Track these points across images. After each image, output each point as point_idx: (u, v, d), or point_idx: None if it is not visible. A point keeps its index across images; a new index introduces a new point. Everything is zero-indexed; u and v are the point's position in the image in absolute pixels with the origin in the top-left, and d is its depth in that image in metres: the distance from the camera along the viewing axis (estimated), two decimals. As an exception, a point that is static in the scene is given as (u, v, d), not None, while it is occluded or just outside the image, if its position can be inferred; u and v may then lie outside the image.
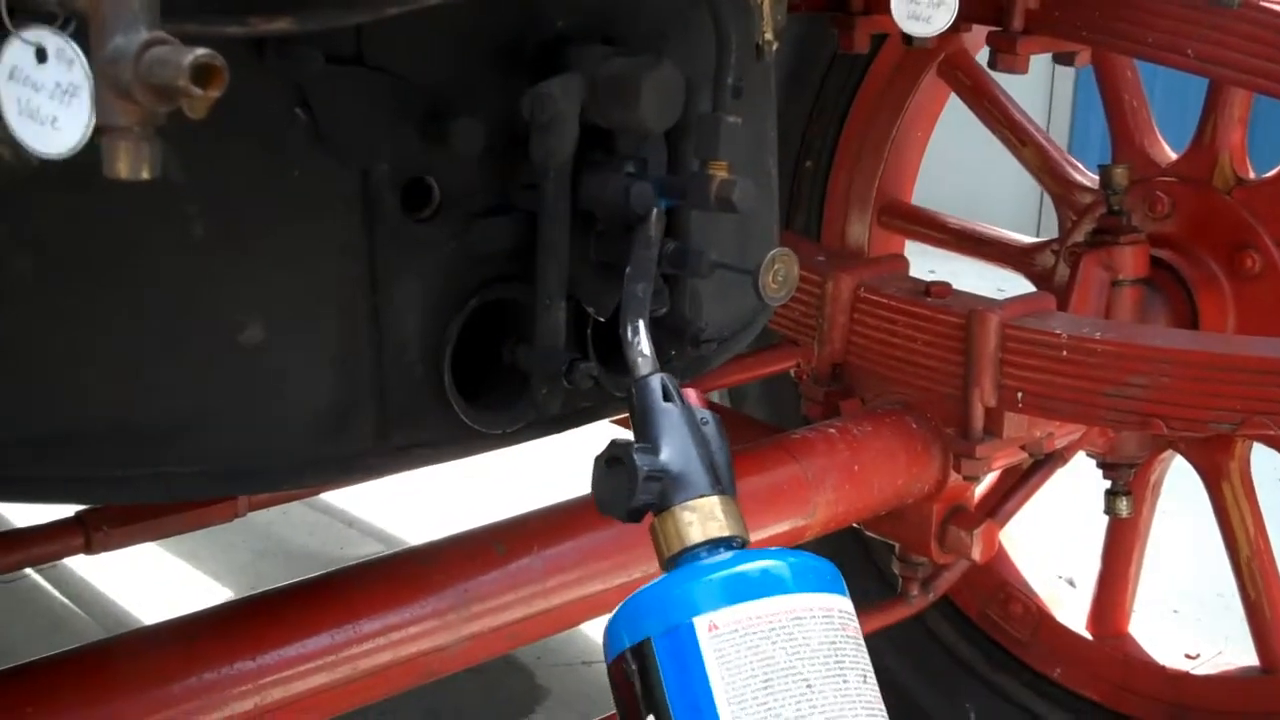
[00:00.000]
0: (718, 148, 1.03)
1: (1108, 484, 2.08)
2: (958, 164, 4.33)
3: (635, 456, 0.95)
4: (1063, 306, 1.93)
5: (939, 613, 2.28)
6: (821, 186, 2.41)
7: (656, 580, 0.95)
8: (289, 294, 1.02)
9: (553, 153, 1.02)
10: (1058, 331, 1.65)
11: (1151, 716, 2.17)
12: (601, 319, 1.12)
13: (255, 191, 0.99)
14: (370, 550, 3.24)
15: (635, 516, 0.96)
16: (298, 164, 1.00)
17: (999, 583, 2.26)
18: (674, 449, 0.96)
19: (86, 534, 1.54)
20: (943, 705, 2.35)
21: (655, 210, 1.04)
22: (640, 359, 0.99)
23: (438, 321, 1.08)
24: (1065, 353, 1.64)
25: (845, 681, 0.90)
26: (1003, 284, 2.66)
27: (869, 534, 1.90)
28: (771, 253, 1.01)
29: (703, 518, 0.95)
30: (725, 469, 0.98)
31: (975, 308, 1.71)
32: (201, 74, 0.66)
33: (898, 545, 1.87)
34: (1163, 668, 2.17)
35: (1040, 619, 2.27)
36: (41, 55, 0.71)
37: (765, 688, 0.88)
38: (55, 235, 0.95)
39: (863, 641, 0.95)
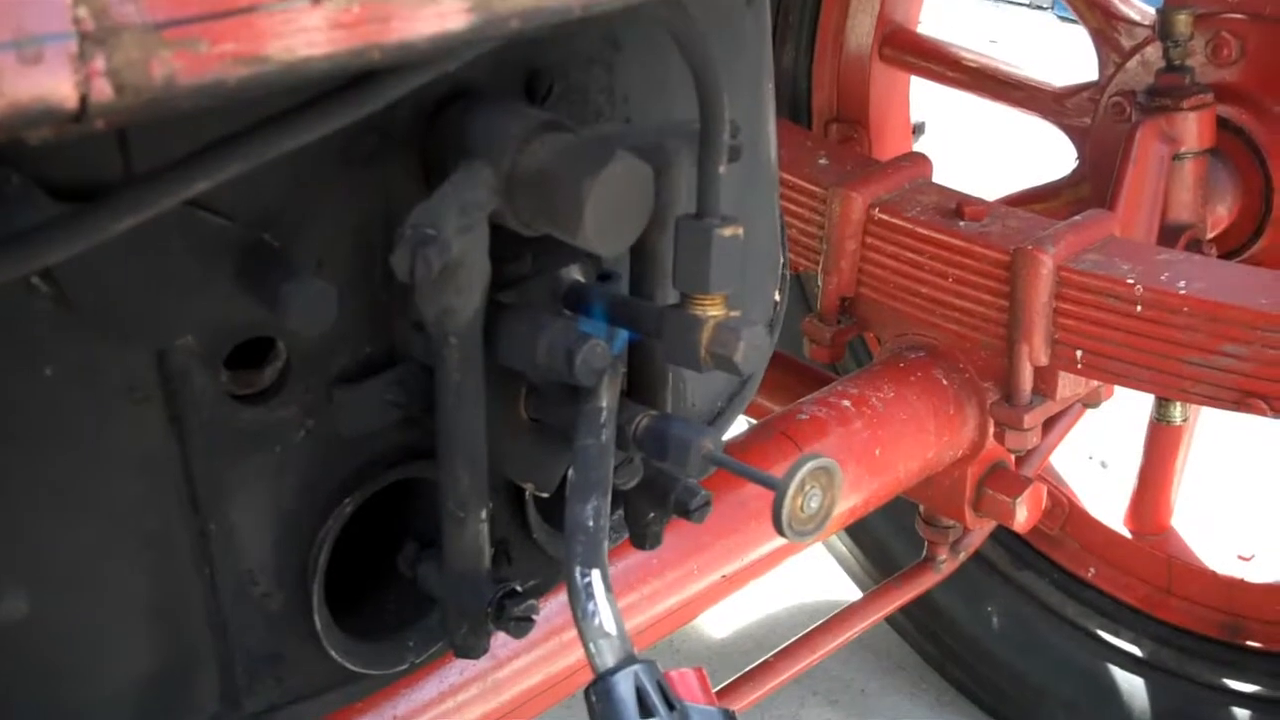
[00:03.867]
0: (708, 276, 0.66)
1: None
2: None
3: None
4: (1115, 186, 1.57)
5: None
6: (813, 13, 2.01)
7: None
8: (62, 542, 0.66)
9: (451, 311, 0.65)
10: (1130, 281, 1.29)
11: (1200, 627, 1.90)
12: (544, 494, 0.77)
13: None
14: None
15: None
16: (46, 358, 0.63)
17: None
18: None
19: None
20: (961, 606, 2.07)
21: (606, 377, 0.67)
22: (598, 643, 0.64)
23: (297, 538, 0.73)
24: (1140, 308, 1.29)
25: None
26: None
27: (889, 495, 1.58)
28: (805, 467, 0.65)
29: None
30: None
31: (1023, 245, 1.34)
32: None
33: (923, 506, 1.56)
34: (1213, 572, 1.89)
35: (1070, 511, 1.98)
36: None
37: None
38: None
39: None
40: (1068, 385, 1.40)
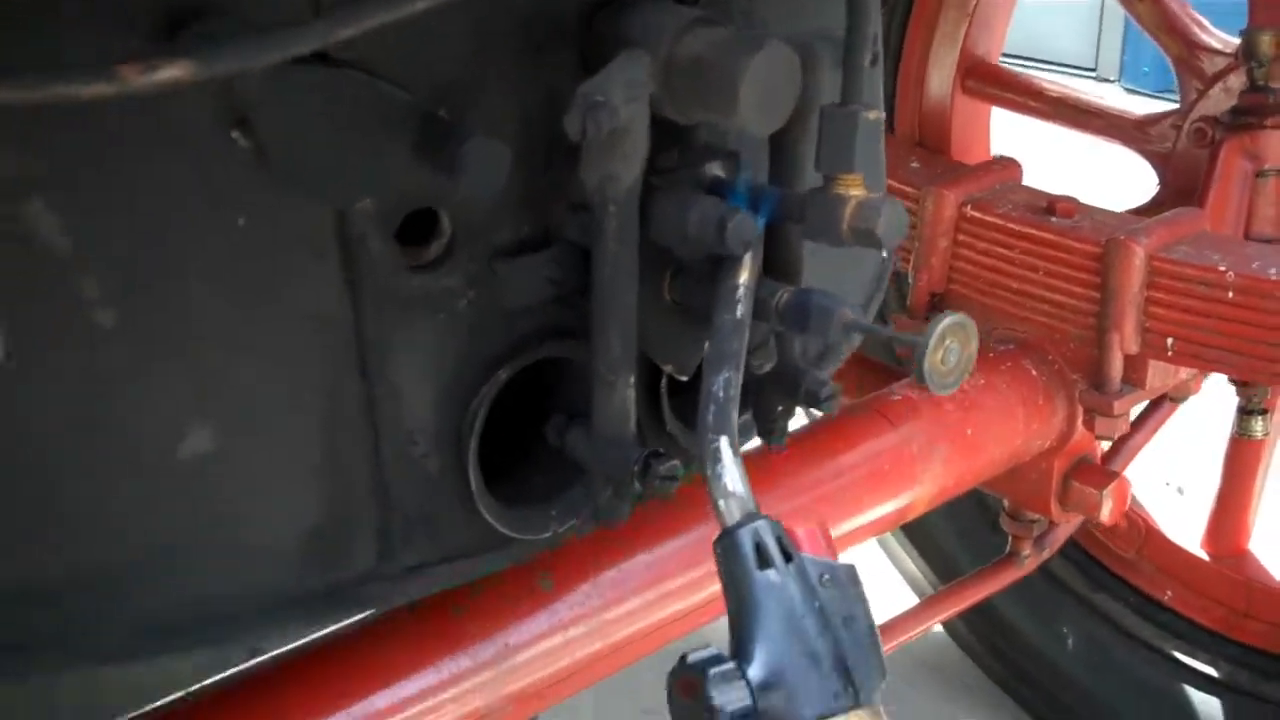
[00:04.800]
0: (853, 156, 0.71)
1: (1238, 400, 1.79)
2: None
3: (712, 690, 0.66)
4: (1199, 202, 1.61)
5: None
6: (896, 45, 2.07)
7: None
8: (242, 386, 0.72)
9: (614, 178, 0.71)
10: (1222, 268, 1.33)
11: (1277, 648, 1.91)
12: (683, 378, 0.82)
13: (183, 255, 0.69)
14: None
15: None
16: (240, 209, 0.69)
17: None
18: (778, 649, 0.68)
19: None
20: (1037, 627, 2.09)
21: (748, 255, 0.72)
22: (725, 501, 0.69)
23: (456, 402, 0.79)
24: (1231, 294, 1.33)
25: None
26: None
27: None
28: (944, 322, 0.70)
29: None
30: (861, 654, 0.69)
31: (1116, 236, 1.38)
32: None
33: (1008, 500, 1.59)
34: (1291, 593, 1.90)
35: (1147, 534, 2.00)
36: None
37: None
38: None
39: None
40: (1157, 375, 1.44)
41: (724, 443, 0.70)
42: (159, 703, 1.03)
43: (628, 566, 1.20)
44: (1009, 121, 2.14)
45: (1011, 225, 1.47)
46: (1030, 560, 1.63)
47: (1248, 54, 1.66)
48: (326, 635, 1.12)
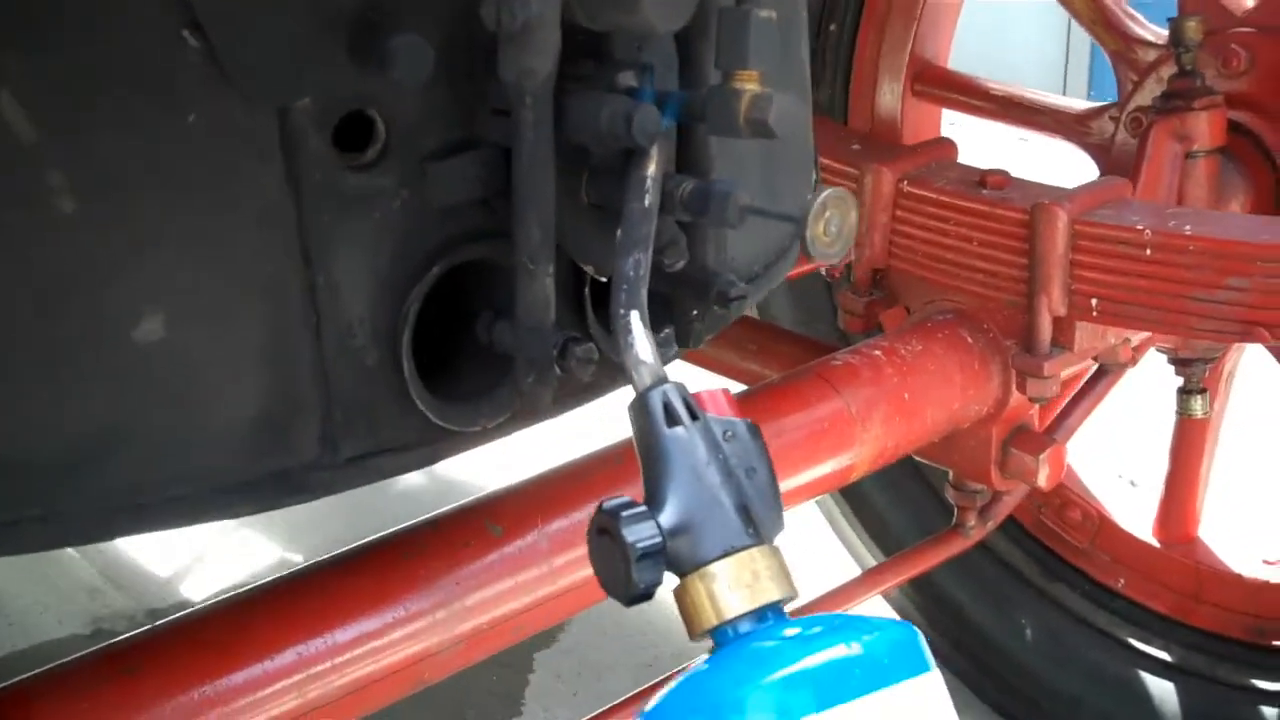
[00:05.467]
0: (747, 53, 0.78)
1: (1173, 377, 1.85)
2: (972, 25, 4.06)
3: (624, 530, 0.72)
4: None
5: (990, 520, 2.07)
6: (848, 52, 2.14)
7: (674, 688, 0.72)
8: (193, 275, 0.78)
9: (529, 71, 0.77)
10: (1140, 226, 1.40)
11: (1228, 631, 1.96)
12: (602, 278, 0.88)
13: (138, 150, 0.75)
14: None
15: (642, 599, 0.74)
16: (191, 106, 0.75)
17: (1054, 486, 2.04)
18: (686, 495, 0.74)
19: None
20: (995, 619, 2.14)
21: (655, 146, 0.79)
22: (637, 368, 0.76)
23: (391, 296, 0.85)
24: (1149, 251, 1.39)
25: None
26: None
27: (920, 459, 1.67)
28: (823, 195, 0.76)
29: (732, 582, 0.73)
30: (763, 499, 0.75)
31: (1041, 201, 1.45)
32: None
33: (952, 472, 1.65)
34: (1239, 576, 1.96)
35: (1100, 524, 2.05)
36: None
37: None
38: None
39: None
40: (1085, 337, 1.50)
41: (634, 316, 0.77)
42: (119, 638, 1.09)
43: (575, 516, 1.26)
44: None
45: (945, 199, 1.54)
46: (976, 531, 1.68)
47: (1175, 40, 1.73)
48: (288, 575, 1.18)
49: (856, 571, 2.03)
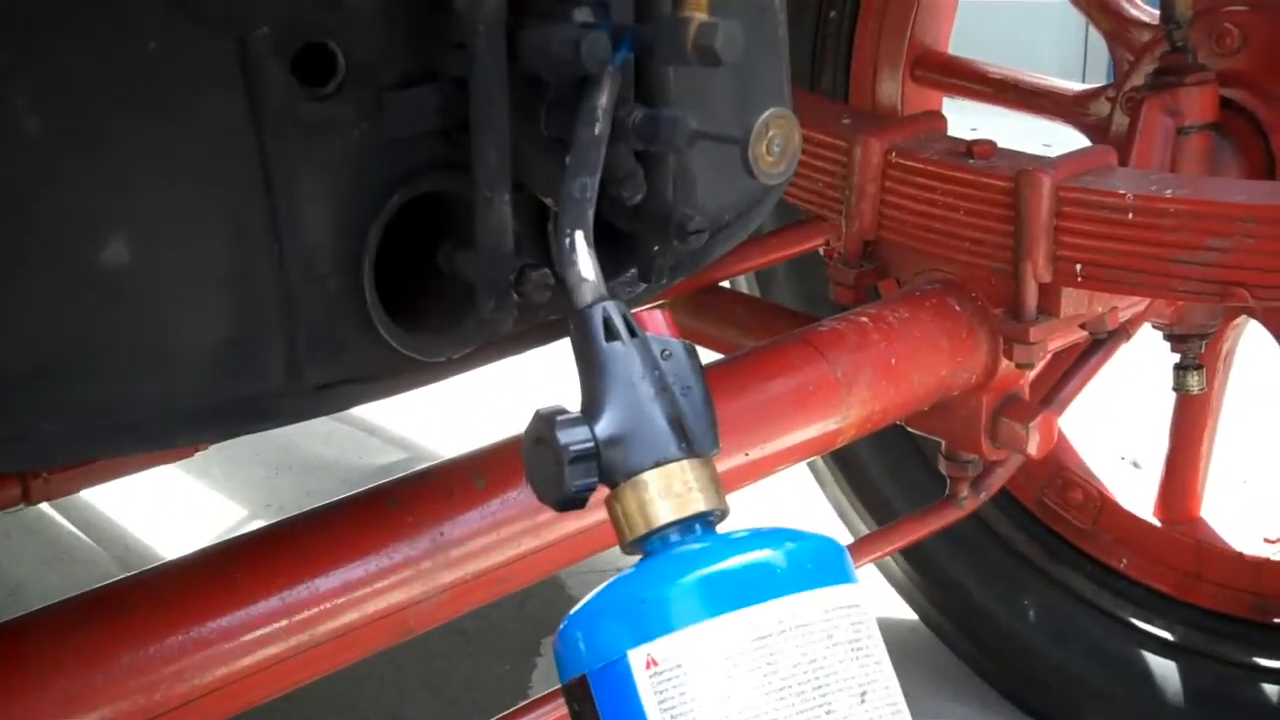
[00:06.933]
0: (692, -21, 0.80)
1: (1176, 358, 1.86)
2: (992, 9, 4.06)
3: (558, 432, 0.74)
4: (1123, 160, 1.69)
5: (992, 502, 2.07)
6: (848, 39, 2.16)
7: (597, 592, 0.75)
8: (157, 199, 0.80)
9: (480, 0, 0.80)
10: (1121, 191, 1.42)
11: (1230, 608, 1.96)
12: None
13: (102, 74, 0.78)
14: (392, 459, 3.07)
15: (574, 505, 0.76)
16: (151, 35, 0.78)
17: (1056, 468, 2.05)
18: (621, 406, 0.76)
19: (24, 484, 1.37)
20: (998, 601, 2.15)
21: (607, 71, 0.81)
22: (579, 284, 0.78)
23: (353, 225, 0.87)
24: (1131, 215, 1.41)
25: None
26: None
27: (913, 430, 1.68)
28: (764, 115, 0.78)
29: (662, 491, 0.75)
30: (697, 415, 0.77)
31: (1025, 168, 1.47)
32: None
33: (944, 442, 1.66)
34: (1240, 554, 1.96)
35: (1102, 505, 2.06)
36: None
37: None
38: None
39: (880, 647, 0.73)
40: (1070, 303, 1.51)
41: (579, 235, 0.79)
42: (104, 582, 1.11)
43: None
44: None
45: (932, 168, 1.56)
46: (969, 502, 1.70)
47: (1166, 16, 1.75)
48: (275, 523, 1.21)
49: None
